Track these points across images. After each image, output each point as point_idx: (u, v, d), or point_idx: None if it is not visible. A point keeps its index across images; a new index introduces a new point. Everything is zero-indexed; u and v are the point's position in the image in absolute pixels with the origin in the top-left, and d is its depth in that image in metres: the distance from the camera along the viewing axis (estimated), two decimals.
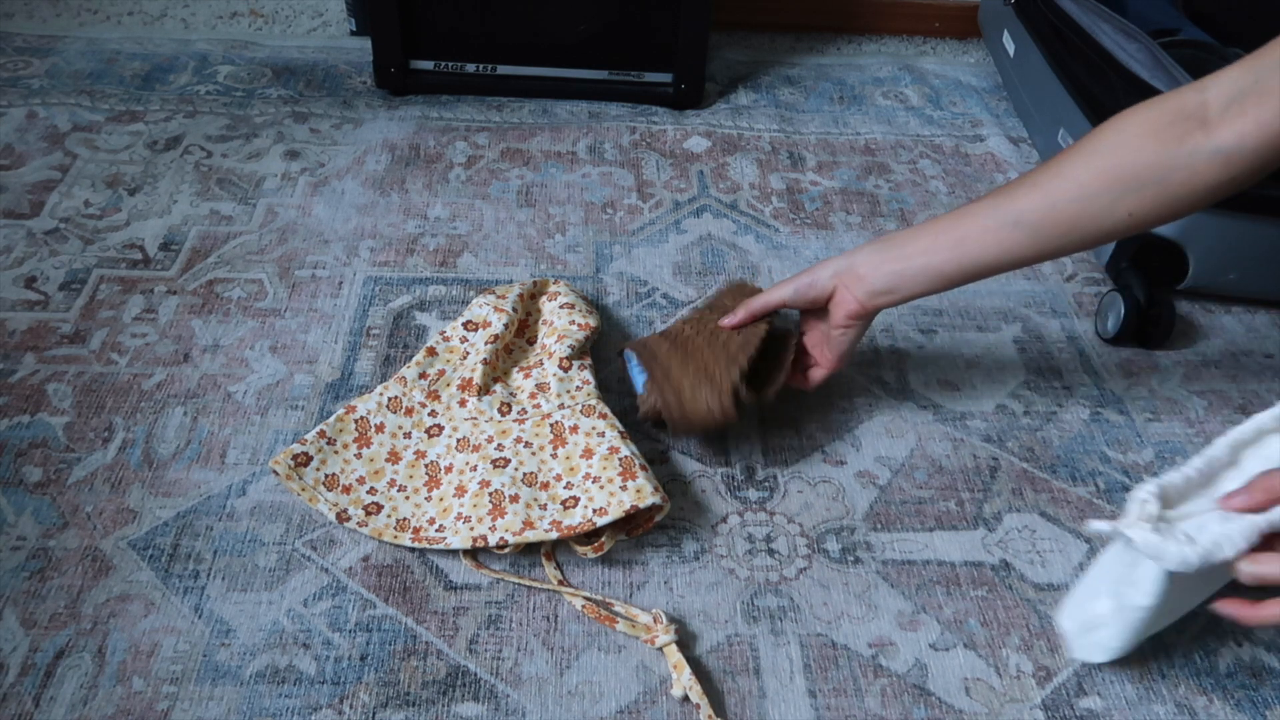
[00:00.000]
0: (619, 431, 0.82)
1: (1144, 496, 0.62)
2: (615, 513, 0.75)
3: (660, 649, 0.72)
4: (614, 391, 0.92)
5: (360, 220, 1.09)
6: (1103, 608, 0.69)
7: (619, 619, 0.74)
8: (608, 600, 0.75)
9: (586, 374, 0.88)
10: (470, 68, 1.29)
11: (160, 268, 1.01)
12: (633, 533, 0.79)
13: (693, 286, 1.04)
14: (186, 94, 1.27)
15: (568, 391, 0.86)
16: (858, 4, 1.56)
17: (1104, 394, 0.96)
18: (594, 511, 0.76)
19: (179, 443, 0.84)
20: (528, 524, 0.76)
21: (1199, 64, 1.07)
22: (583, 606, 0.75)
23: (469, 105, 1.30)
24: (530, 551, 0.78)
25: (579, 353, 0.90)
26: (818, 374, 0.87)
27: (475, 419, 0.84)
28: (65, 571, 0.74)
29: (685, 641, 0.73)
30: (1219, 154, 0.67)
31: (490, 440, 0.82)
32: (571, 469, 0.80)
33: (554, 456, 0.81)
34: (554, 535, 0.75)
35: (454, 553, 0.77)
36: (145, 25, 1.42)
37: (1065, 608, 0.74)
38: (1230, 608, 0.59)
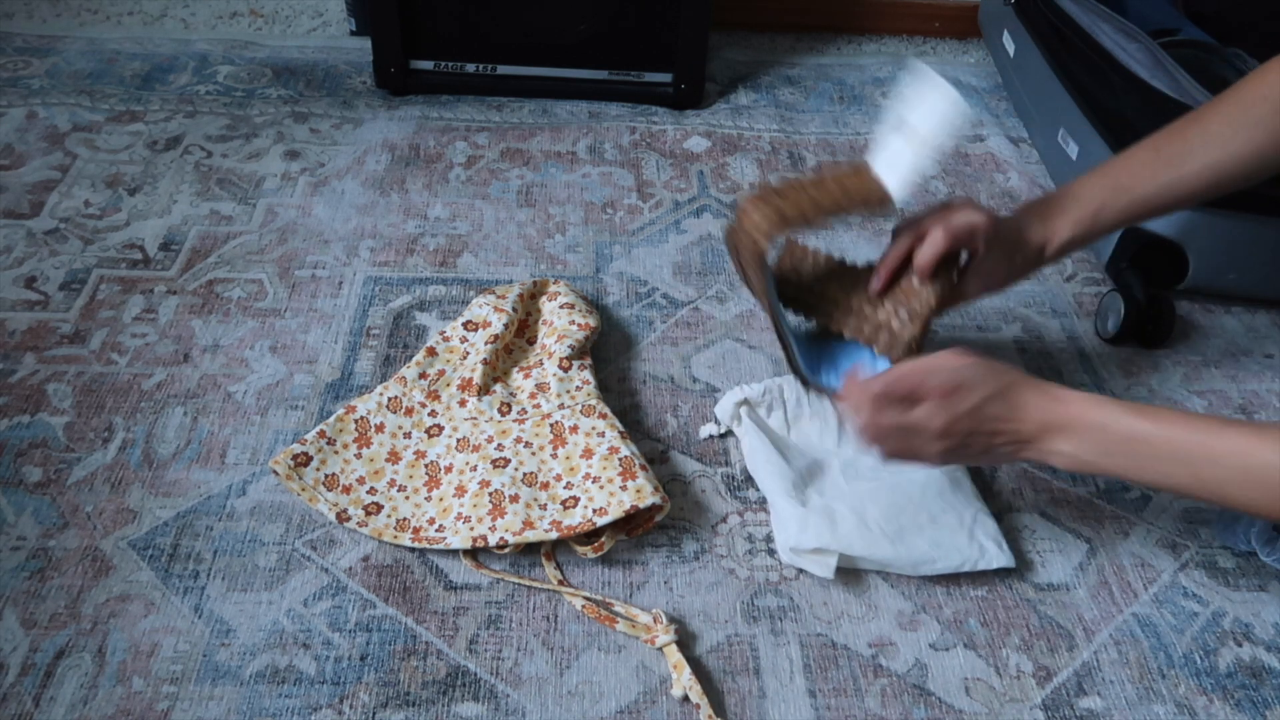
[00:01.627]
0: (619, 431, 0.82)
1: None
2: (615, 513, 0.75)
3: (660, 649, 0.72)
4: (614, 391, 0.92)
5: (360, 220, 1.09)
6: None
7: (619, 619, 0.74)
8: (608, 600, 0.75)
9: (586, 374, 0.88)
10: (470, 68, 1.29)
11: (160, 268, 1.01)
12: (633, 533, 0.79)
13: (693, 286, 1.04)
14: (186, 94, 1.27)
15: (568, 391, 0.86)
16: (858, 4, 1.56)
17: (1104, 394, 0.96)
18: (594, 511, 0.76)
19: (179, 443, 0.84)
20: (528, 524, 0.76)
21: (1199, 64, 1.07)
22: (583, 606, 0.75)
23: (469, 105, 1.30)
24: (530, 551, 0.78)
25: (579, 353, 0.90)
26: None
27: (475, 419, 0.84)
28: (65, 571, 0.74)
29: (685, 641, 0.73)
30: None
31: (490, 440, 0.82)
32: (571, 469, 0.80)
33: (554, 456, 0.81)
34: (554, 535, 0.75)
35: (454, 553, 0.77)
36: (145, 25, 1.42)
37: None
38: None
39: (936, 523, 0.79)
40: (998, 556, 0.77)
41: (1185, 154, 0.76)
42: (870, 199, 0.77)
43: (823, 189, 0.77)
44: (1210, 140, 0.76)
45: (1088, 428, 0.65)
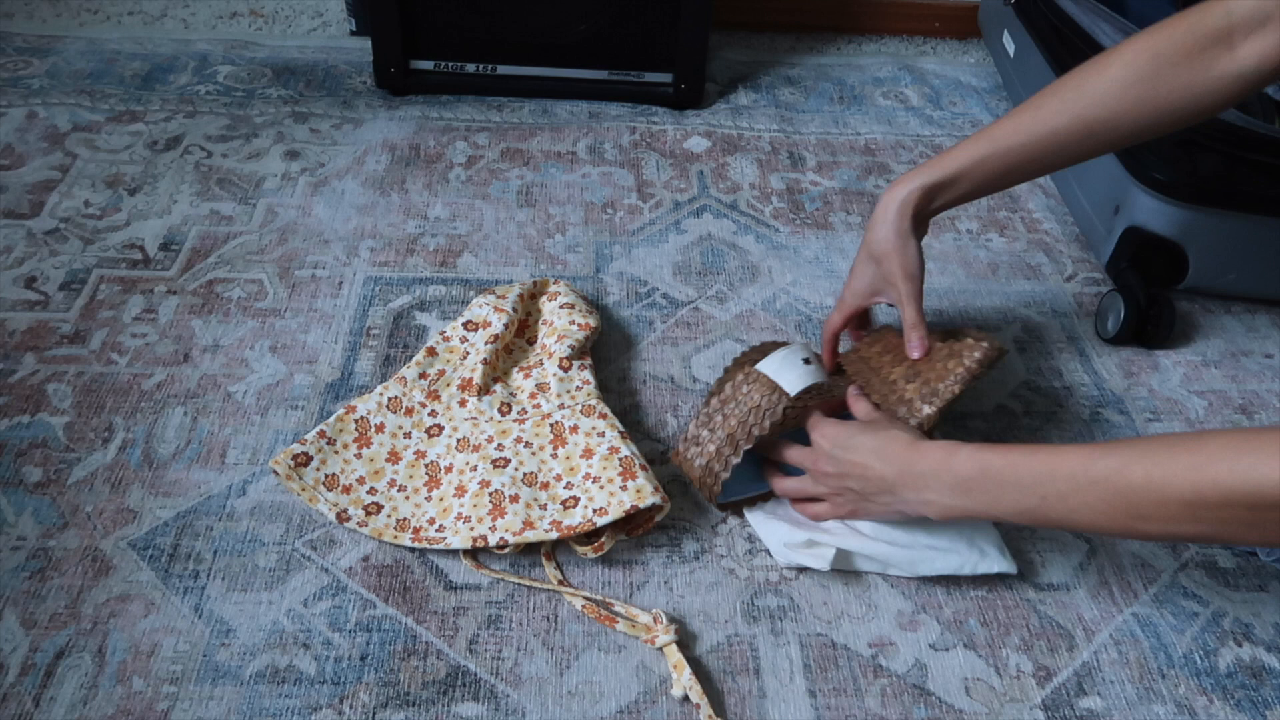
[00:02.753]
0: (619, 431, 0.82)
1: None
2: (615, 513, 0.75)
3: (660, 649, 0.72)
4: (614, 391, 0.92)
5: (360, 220, 1.09)
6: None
7: (619, 619, 0.74)
8: (608, 600, 0.75)
9: (586, 374, 0.88)
10: (470, 68, 1.29)
11: (160, 268, 1.01)
12: (633, 533, 0.79)
13: (693, 286, 1.04)
14: (186, 94, 1.27)
15: (568, 391, 0.86)
16: (858, 4, 1.56)
17: (1104, 394, 0.96)
18: (594, 511, 0.76)
19: (179, 443, 0.84)
20: (528, 524, 0.76)
21: None
22: (583, 606, 0.75)
23: (469, 105, 1.30)
24: (530, 551, 0.78)
25: (579, 353, 0.90)
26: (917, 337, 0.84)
27: (475, 419, 0.84)
28: (65, 571, 0.74)
29: (685, 641, 0.73)
30: (1240, 78, 0.70)
31: (490, 440, 0.82)
32: (571, 469, 0.80)
33: (554, 456, 0.81)
34: (554, 535, 0.75)
35: (454, 553, 0.77)
36: (145, 25, 1.42)
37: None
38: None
39: (933, 532, 0.78)
40: (999, 561, 0.77)
41: (1058, 107, 0.77)
42: (770, 408, 0.77)
43: (724, 415, 0.78)
44: (1084, 92, 0.75)
45: (940, 471, 0.68)
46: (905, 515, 0.73)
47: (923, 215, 0.81)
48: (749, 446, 0.76)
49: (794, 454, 0.78)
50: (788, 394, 0.77)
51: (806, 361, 0.80)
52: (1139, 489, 0.59)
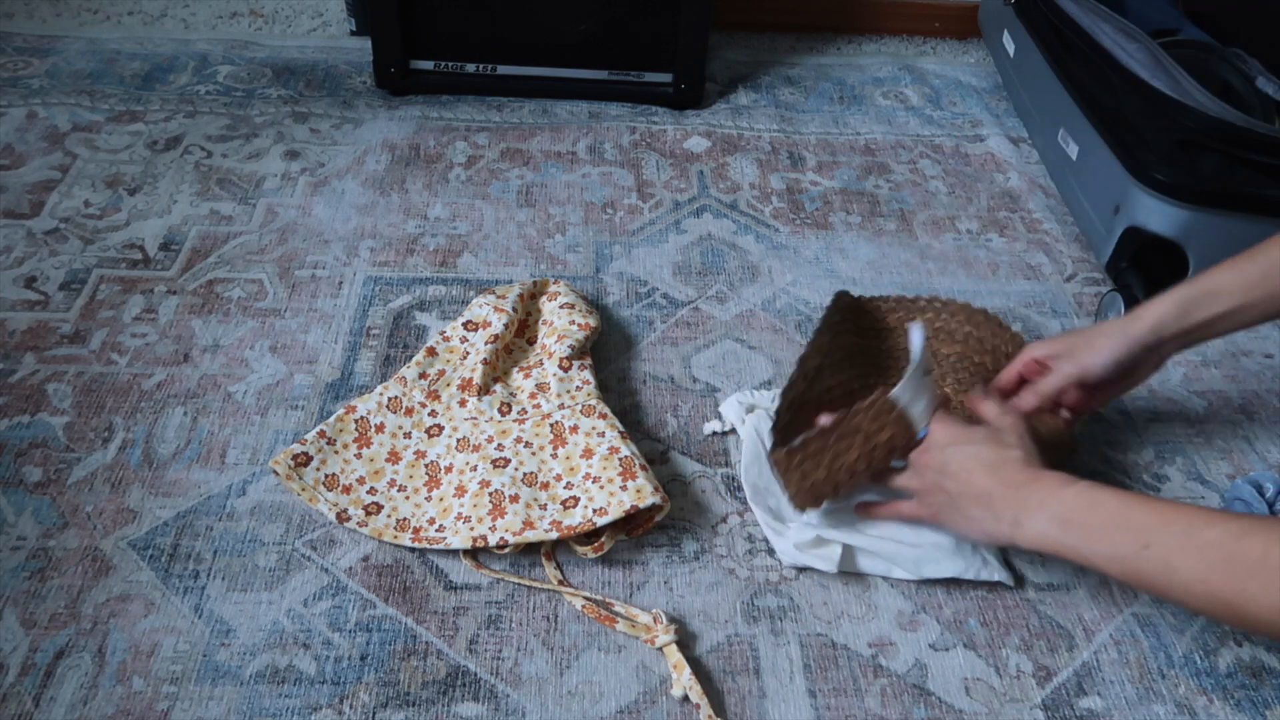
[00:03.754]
0: (619, 431, 0.82)
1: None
2: (615, 513, 0.75)
3: (660, 649, 0.72)
4: (614, 391, 0.92)
5: (360, 220, 1.09)
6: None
7: (619, 619, 0.74)
8: (608, 600, 0.75)
9: (586, 374, 0.88)
10: (470, 68, 1.29)
11: (160, 268, 1.01)
12: (633, 533, 0.79)
13: (693, 286, 1.04)
14: (186, 94, 1.27)
15: (568, 391, 0.86)
16: (858, 4, 1.56)
17: None
18: (594, 511, 0.76)
19: (179, 443, 0.84)
20: (528, 524, 0.75)
21: (1199, 64, 1.07)
22: (583, 606, 0.75)
23: (469, 105, 1.30)
24: (530, 551, 0.78)
25: (579, 353, 0.90)
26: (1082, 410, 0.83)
27: (475, 419, 0.84)
28: (65, 571, 0.74)
29: (685, 641, 0.73)
30: None
31: (490, 440, 0.82)
32: (571, 469, 0.80)
33: (554, 456, 0.81)
34: (554, 535, 0.75)
35: (454, 553, 0.77)
36: (145, 25, 1.42)
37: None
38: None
39: (938, 534, 0.78)
40: (999, 570, 0.77)
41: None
42: (895, 444, 0.73)
43: (849, 443, 0.73)
44: None
45: (1048, 500, 0.66)
46: (987, 536, 0.70)
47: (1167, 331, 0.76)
48: (865, 481, 0.74)
49: (900, 479, 0.75)
50: (916, 435, 0.73)
51: (927, 372, 0.76)
52: (1255, 562, 0.56)
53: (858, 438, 0.73)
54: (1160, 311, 0.76)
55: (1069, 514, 0.65)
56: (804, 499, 0.76)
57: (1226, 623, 0.59)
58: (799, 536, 0.77)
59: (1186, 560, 0.59)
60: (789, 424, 0.79)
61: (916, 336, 0.76)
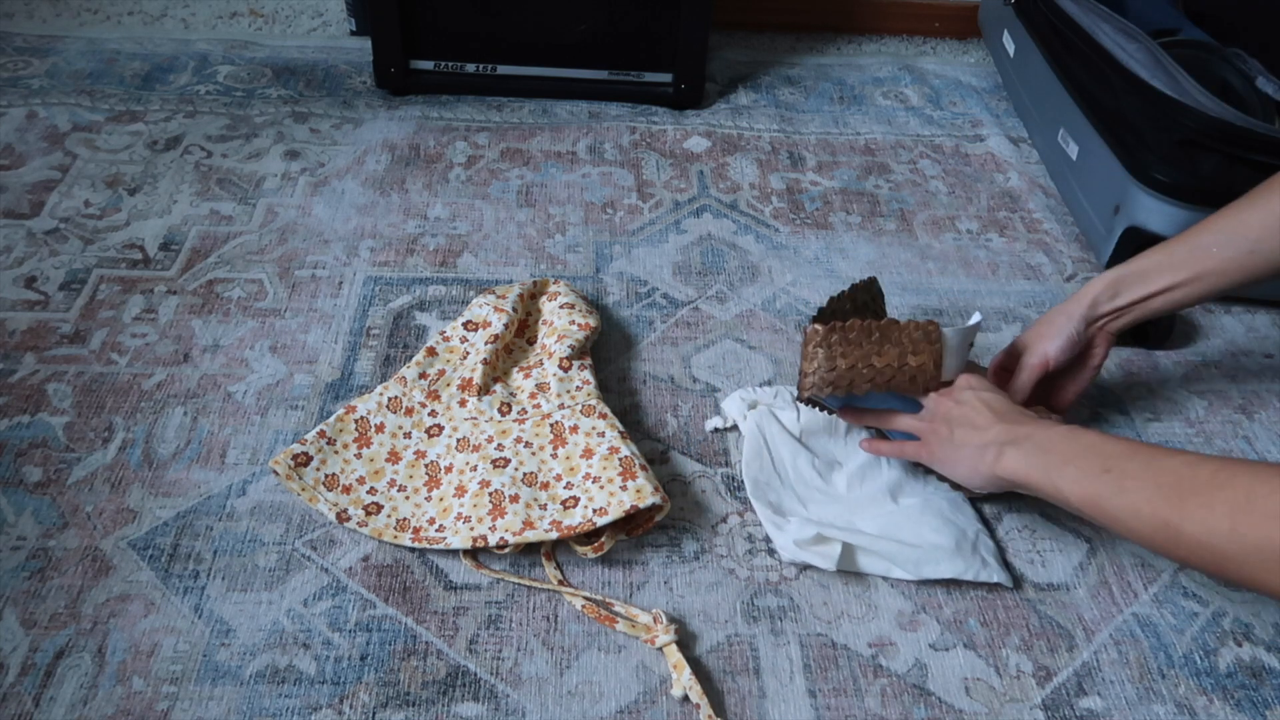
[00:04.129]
0: (619, 431, 0.82)
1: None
2: (615, 513, 0.75)
3: (660, 649, 0.72)
4: (614, 391, 0.92)
5: (360, 220, 1.09)
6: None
7: (619, 619, 0.74)
8: (608, 600, 0.75)
9: (586, 374, 0.88)
10: (470, 68, 1.29)
11: (160, 268, 1.01)
12: (633, 533, 0.79)
13: (693, 286, 1.04)
14: (186, 94, 1.27)
15: (568, 391, 0.86)
16: (858, 4, 1.56)
17: (1104, 394, 0.96)
18: (594, 511, 0.76)
19: (179, 443, 0.84)
20: (528, 524, 0.75)
21: (1199, 64, 1.07)
22: (583, 606, 0.75)
23: (469, 105, 1.30)
24: (530, 551, 0.78)
25: (579, 353, 0.90)
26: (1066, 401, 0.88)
27: (475, 419, 0.84)
28: (65, 571, 0.74)
29: (685, 641, 0.73)
30: None
31: (490, 440, 0.82)
32: (571, 469, 0.80)
33: (554, 456, 0.81)
34: (554, 535, 0.75)
35: (454, 553, 0.77)
36: (145, 25, 1.42)
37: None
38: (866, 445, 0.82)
39: (939, 535, 0.79)
40: (997, 572, 0.77)
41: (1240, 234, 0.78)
42: (921, 374, 0.75)
43: (884, 349, 0.75)
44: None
45: (1035, 433, 0.69)
46: (971, 469, 0.72)
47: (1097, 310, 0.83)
48: (873, 390, 0.76)
49: (907, 419, 0.78)
50: (941, 377, 0.76)
51: (970, 344, 0.80)
52: (1201, 483, 0.57)
53: (894, 350, 0.75)
54: (1095, 291, 0.82)
55: (1049, 444, 0.67)
56: (815, 384, 0.76)
57: (1163, 551, 0.60)
58: (799, 533, 0.77)
59: (1138, 482, 0.61)
60: (835, 312, 0.81)
61: (976, 315, 0.82)
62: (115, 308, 0.96)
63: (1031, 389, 0.83)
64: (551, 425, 0.83)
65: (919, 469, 0.84)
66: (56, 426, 0.84)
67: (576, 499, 0.77)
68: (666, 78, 1.30)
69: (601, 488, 0.77)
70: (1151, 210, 0.99)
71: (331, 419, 0.83)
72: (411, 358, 0.91)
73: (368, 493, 0.80)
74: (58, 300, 0.96)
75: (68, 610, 0.72)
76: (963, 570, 0.77)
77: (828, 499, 0.82)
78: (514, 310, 0.92)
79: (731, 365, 0.96)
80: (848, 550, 0.77)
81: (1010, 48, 1.36)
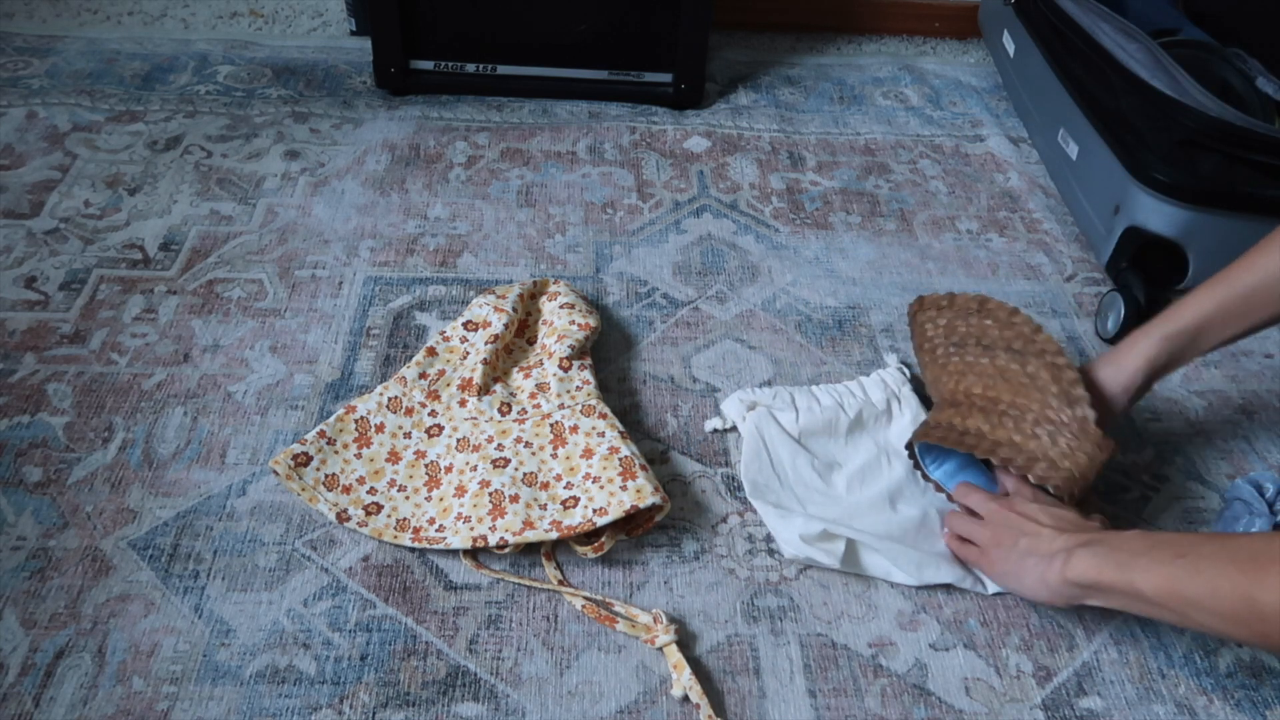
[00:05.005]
0: (619, 431, 0.82)
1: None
2: (615, 513, 0.75)
3: (660, 649, 0.72)
4: (614, 391, 0.92)
5: (360, 220, 1.09)
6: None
7: (619, 619, 0.74)
8: (608, 600, 0.75)
9: (587, 374, 0.88)
10: (470, 68, 1.29)
11: (160, 268, 1.01)
12: (633, 533, 0.79)
13: (693, 286, 1.04)
14: (186, 94, 1.27)
15: (568, 391, 0.86)
16: (858, 4, 1.56)
17: None
18: (594, 511, 0.76)
19: (179, 443, 0.84)
20: (528, 524, 0.75)
21: (1199, 64, 1.07)
22: (583, 606, 0.75)
23: (469, 105, 1.30)
24: (530, 551, 0.78)
25: (579, 353, 0.90)
26: None
27: (475, 419, 0.84)
28: (65, 571, 0.74)
29: (685, 641, 0.73)
30: None
31: (490, 440, 0.82)
32: (571, 469, 0.80)
33: (554, 456, 0.81)
34: (554, 535, 0.75)
35: (454, 553, 0.77)
36: (145, 25, 1.42)
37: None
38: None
39: (938, 544, 0.79)
40: (992, 583, 0.77)
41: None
42: (1034, 458, 0.75)
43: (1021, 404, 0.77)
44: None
45: (1106, 537, 0.68)
46: (1039, 580, 0.70)
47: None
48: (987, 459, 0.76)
49: (969, 526, 0.76)
50: (1035, 470, 0.74)
51: None
52: (1278, 553, 0.57)
53: (1031, 420, 0.76)
54: (1151, 355, 0.80)
55: (1120, 542, 0.67)
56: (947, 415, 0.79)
57: (1242, 630, 0.59)
58: (806, 528, 0.77)
59: (1213, 561, 0.60)
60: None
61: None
62: (115, 308, 0.96)
63: None
64: (551, 425, 0.83)
65: (919, 473, 0.84)
66: (56, 426, 0.84)
67: (576, 499, 0.77)
68: (666, 78, 1.30)
69: (601, 488, 0.77)
70: (1151, 210, 0.99)
71: (331, 419, 0.83)
72: (411, 358, 0.91)
73: (368, 493, 0.80)
74: (58, 300, 0.96)
75: (68, 610, 0.72)
76: (960, 577, 0.77)
77: (827, 500, 0.82)
78: (514, 310, 0.92)
79: (731, 365, 0.96)
80: (852, 548, 0.77)
81: (1010, 48, 1.36)
